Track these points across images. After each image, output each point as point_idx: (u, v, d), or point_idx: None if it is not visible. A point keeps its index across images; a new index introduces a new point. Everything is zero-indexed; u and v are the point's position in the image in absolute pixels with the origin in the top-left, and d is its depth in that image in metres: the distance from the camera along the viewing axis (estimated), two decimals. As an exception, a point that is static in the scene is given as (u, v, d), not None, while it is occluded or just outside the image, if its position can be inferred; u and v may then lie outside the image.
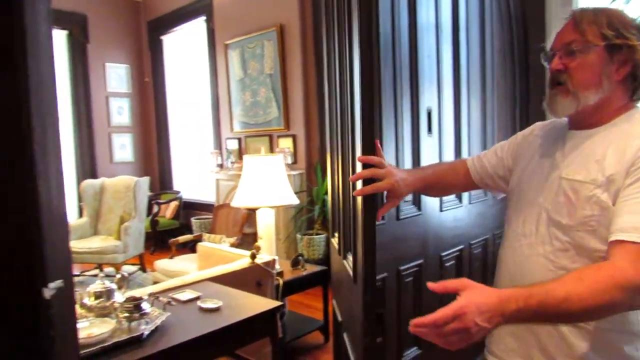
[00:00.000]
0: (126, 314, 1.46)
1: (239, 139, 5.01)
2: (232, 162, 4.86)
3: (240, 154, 4.96)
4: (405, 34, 2.01)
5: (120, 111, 6.08)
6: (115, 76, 6.00)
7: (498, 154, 1.21)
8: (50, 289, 0.43)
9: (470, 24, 2.44)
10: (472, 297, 0.79)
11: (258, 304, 1.84)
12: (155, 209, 5.38)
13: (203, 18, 5.20)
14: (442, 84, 2.11)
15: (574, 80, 0.97)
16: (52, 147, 0.46)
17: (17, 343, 0.43)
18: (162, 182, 6.23)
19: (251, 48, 4.67)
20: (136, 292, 1.68)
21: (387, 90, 1.89)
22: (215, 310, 1.71)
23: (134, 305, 1.47)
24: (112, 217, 4.46)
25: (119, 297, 1.55)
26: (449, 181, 1.28)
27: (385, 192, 1.14)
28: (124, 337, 1.41)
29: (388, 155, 1.81)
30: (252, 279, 2.30)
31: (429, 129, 1.96)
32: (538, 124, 1.15)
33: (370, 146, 1.12)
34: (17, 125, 0.45)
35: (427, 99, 1.98)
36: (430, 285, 0.79)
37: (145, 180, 4.53)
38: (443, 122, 2.07)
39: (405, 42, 2.02)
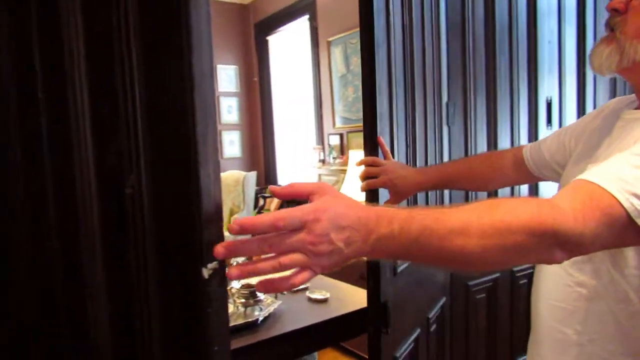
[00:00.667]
0: (242, 300, 1.55)
1: (341, 135, 5.08)
2: (333, 158, 4.94)
3: (342, 149, 5.02)
4: (523, 18, 1.89)
5: (230, 110, 6.46)
6: (225, 76, 6.38)
7: (560, 137, 1.04)
8: (208, 269, 0.47)
9: (598, 5, 2.21)
10: (332, 204, 0.56)
11: (365, 297, 1.85)
12: (261, 202, 5.64)
13: (306, 17, 5.33)
14: (564, 72, 1.95)
15: (627, 24, 0.78)
16: (211, 137, 0.51)
17: (181, 317, 0.48)
18: (267, 177, 6.51)
19: (353, 44, 4.69)
20: (249, 280, 1.78)
21: (503, 79, 1.80)
22: (323, 301, 1.75)
23: (250, 292, 1.56)
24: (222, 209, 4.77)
25: (235, 283, 1.65)
26: (482, 175, 1.16)
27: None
28: (240, 321, 1.49)
29: (504, 146, 1.71)
30: (355, 272, 2.32)
31: (548, 121, 1.83)
32: (615, 99, 0.95)
33: (372, 143, 1.12)
34: (184, 116, 0.51)
35: (547, 88, 1.84)
36: (272, 188, 0.60)
37: (252, 175, 4.77)
38: (565, 113, 1.91)
39: (523, 26, 1.90)
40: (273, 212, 0.53)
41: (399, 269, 1.27)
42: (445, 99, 1.76)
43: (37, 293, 0.63)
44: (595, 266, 0.77)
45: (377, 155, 1.14)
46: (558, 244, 0.59)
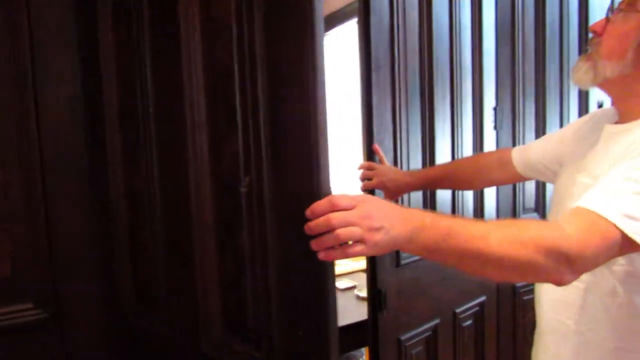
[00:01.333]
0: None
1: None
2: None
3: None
4: (575, 24, 1.92)
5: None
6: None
7: (550, 142, 1.16)
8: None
9: None
10: (375, 197, 0.70)
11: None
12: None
13: (355, 20, 5.37)
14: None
15: (602, 45, 0.89)
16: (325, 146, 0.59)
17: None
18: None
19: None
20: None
21: (552, 86, 1.83)
22: (372, 299, 1.81)
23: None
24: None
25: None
26: (468, 174, 1.31)
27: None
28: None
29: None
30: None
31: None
32: (602, 109, 1.05)
33: (369, 150, 1.33)
34: (307, 129, 0.60)
35: (598, 92, 1.85)
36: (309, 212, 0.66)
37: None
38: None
39: (575, 33, 1.93)
40: (327, 197, 0.65)
41: (403, 262, 1.41)
42: (493, 103, 1.79)
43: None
44: None
45: (374, 160, 1.34)
46: (565, 262, 0.69)
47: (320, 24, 0.67)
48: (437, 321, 1.56)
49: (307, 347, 0.73)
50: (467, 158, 1.55)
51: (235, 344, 0.80)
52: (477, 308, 1.74)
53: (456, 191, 1.63)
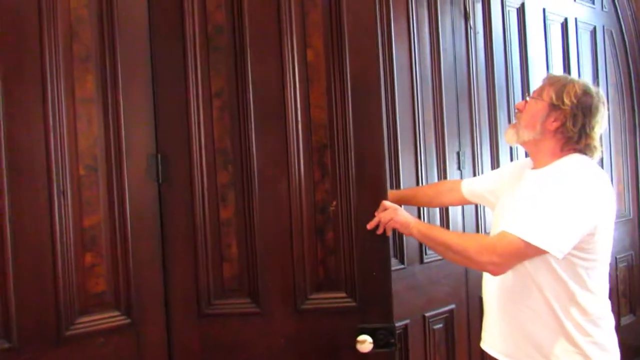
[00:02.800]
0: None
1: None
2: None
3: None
4: (517, 68, 2.39)
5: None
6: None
7: (493, 178, 1.65)
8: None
9: (581, 59, 2.67)
10: (398, 207, 1.39)
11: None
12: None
13: None
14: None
15: (521, 118, 1.41)
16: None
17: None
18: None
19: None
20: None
21: (502, 130, 2.31)
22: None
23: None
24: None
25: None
26: (428, 196, 1.84)
27: None
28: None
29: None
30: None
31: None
32: (518, 161, 1.64)
33: None
34: (378, 163, 1.39)
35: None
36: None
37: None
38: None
39: (518, 77, 2.40)
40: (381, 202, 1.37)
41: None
42: (457, 148, 2.24)
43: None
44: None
45: None
46: (485, 253, 1.25)
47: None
48: (407, 321, 1.96)
49: (375, 284, 1.44)
50: (429, 184, 2.06)
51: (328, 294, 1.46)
52: (447, 314, 2.13)
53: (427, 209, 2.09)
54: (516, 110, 1.45)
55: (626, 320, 3.12)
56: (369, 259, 1.44)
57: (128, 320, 1.39)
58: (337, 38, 1.46)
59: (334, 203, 1.46)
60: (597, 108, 1.34)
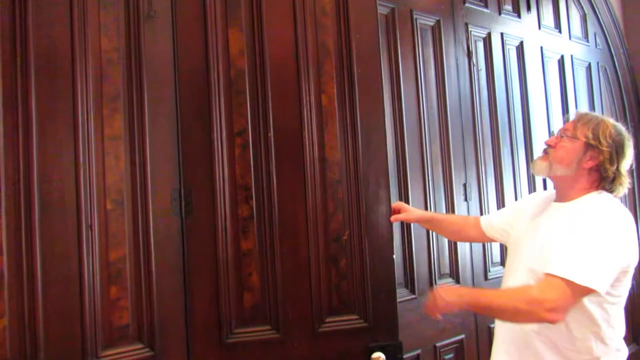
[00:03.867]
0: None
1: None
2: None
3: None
4: (518, 103, 2.49)
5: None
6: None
7: (509, 213, 1.68)
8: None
9: (578, 94, 2.79)
10: (445, 287, 1.48)
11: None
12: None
13: None
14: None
15: (555, 153, 1.43)
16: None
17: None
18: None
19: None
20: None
21: (506, 164, 2.39)
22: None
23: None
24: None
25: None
26: (452, 227, 1.84)
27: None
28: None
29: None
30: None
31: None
32: (538, 193, 1.62)
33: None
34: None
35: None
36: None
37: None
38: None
39: (519, 111, 2.49)
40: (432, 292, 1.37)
41: None
42: (463, 180, 2.30)
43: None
44: None
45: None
46: (534, 304, 1.21)
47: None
48: (418, 351, 1.98)
49: (383, 305, 1.60)
50: (455, 216, 2.08)
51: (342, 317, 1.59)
52: (457, 344, 2.15)
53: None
54: (546, 146, 1.48)
55: (631, 349, 3.13)
56: (377, 283, 1.61)
57: (151, 353, 1.41)
58: (348, 85, 1.64)
59: (347, 233, 1.61)
60: (628, 147, 1.39)
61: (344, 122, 1.64)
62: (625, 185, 1.39)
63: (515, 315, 1.27)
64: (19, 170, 1.26)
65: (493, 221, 1.71)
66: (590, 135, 1.37)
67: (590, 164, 1.37)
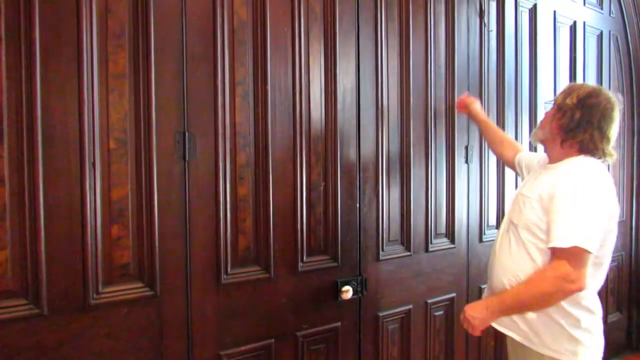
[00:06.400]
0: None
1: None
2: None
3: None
4: (526, 67, 2.46)
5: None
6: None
7: (527, 158, 1.82)
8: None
9: (587, 62, 2.75)
10: (472, 304, 1.50)
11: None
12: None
13: None
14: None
15: (542, 121, 1.59)
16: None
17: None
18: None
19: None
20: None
21: (510, 127, 2.36)
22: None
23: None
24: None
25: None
26: (498, 142, 2.00)
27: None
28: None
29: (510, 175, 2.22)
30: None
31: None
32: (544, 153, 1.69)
33: None
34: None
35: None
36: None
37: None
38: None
39: (526, 87, 2.46)
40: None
41: (382, 258, 1.98)
42: (465, 142, 2.30)
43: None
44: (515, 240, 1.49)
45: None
46: (560, 279, 1.29)
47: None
48: (410, 306, 2.04)
49: (349, 248, 1.86)
50: (502, 133, 2.12)
51: (317, 257, 1.79)
52: (447, 302, 2.20)
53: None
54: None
55: (613, 317, 3.22)
56: (345, 228, 1.85)
57: (151, 292, 1.44)
58: (332, 50, 1.80)
59: (323, 184, 1.80)
60: (602, 109, 1.40)
61: (326, 84, 1.80)
62: (606, 148, 1.42)
63: (547, 299, 1.33)
64: (21, 101, 1.24)
65: (522, 159, 1.84)
66: (561, 98, 1.46)
67: (554, 124, 1.45)
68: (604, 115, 1.40)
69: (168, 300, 1.47)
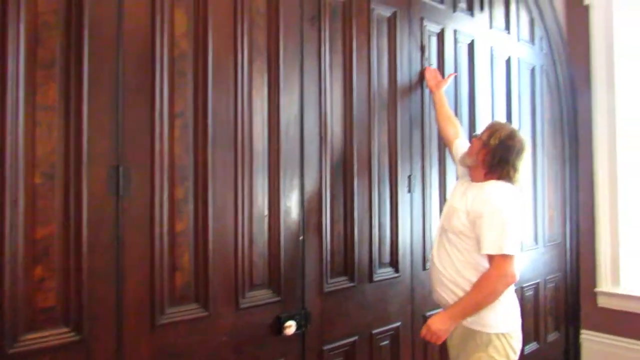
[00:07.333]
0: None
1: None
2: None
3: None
4: (466, 100, 2.55)
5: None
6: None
7: (463, 149, 2.08)
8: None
9: (522, 94, 2.91)
10: (432, 319, 1.80)
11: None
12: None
13: None
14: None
15: (469, 149, 1.96)
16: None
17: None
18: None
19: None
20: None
21: (450, 160, 2.44)
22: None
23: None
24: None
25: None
26: (444, 119, 2.31)
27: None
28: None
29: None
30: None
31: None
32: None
33: None
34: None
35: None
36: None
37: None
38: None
39: (466, 108, 2.55)
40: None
41: (326, 289, 1.97)
42: (408, 172, 2.34)
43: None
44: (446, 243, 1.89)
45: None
46: (502, 277, 1.74)
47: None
48: (355, 338, 2.03)
49: (292, 281, 1.85)
50: (452, 116, 2.36)
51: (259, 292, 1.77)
52: (393, 331, 2.20)
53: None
54: (470, 144, 1.97)
55: (552, 337, 3.34)
56: (288, 261, 1.83)
57: (78, 337, 1.35)
58: (274, 78, 1.81)
59: (266, 216, 1.78)
60: (516, 150, 1.83)
61: (270, 116, 1.80)
62: (516, 177, 1.84)
63: (496, 294, 1.74)
64: None
65: (458, 147, 2.16)
66: (485, 137, 1.86)
67: (481, 157, 1.86)
68: (518, 155, 1.84)
69: (97, 345, 1.38)
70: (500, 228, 1.72)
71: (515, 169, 1.83)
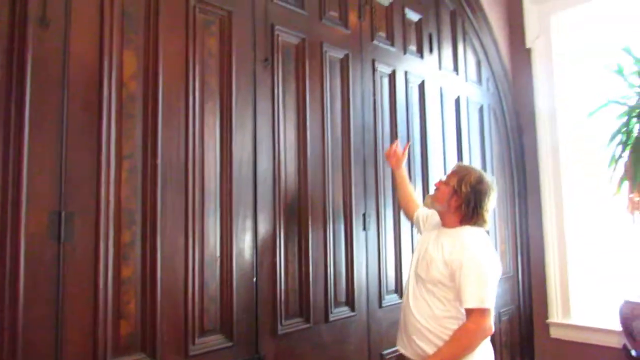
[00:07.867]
0: None
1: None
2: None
3: None
4: (417, 139, 2.62)
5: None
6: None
7: (426, 212, 2.10)
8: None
9: (471, 132, 3.03)
10: None
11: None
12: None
13: None
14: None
15: (436, 193, 1.93)
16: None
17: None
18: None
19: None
20: None
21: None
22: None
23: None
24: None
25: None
26: (405, 195, 2.25)
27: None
28: None
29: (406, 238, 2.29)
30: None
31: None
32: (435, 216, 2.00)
33: None
34: None
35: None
36: None
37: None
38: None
39: (418, 147, 2.62)
40: None
41: (281, 332, 1.93)
42: (363, 210, 2.36)
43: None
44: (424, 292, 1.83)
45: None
46: (479, 332, 1.73)
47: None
48: (315, 382, 1.98)
49: (245, 325, 1.79)
50: (412, 192, 2.31)
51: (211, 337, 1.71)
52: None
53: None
54: (435, 186, 1.96)
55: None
56: (241, 305, 1.79)
57: (10, 396, 1.26)
58: (227, 119, 1.82)
59: (218, 259, 1.74)
60: (487, 193, 1.85)
61: (222, 157, 1.80)
62: (487, 221, 1.87)
63: (473, 346, 1.74)
64: None
65: (419, 215, 2.15)
66: (455, 183, 1.85)
67: (455, 204, 1.85)
68: (488, 198, 1.86)
69: (32, 403, 1.29)
70: (480, 280, 1.73)
71: (487, 212, 1.85)
